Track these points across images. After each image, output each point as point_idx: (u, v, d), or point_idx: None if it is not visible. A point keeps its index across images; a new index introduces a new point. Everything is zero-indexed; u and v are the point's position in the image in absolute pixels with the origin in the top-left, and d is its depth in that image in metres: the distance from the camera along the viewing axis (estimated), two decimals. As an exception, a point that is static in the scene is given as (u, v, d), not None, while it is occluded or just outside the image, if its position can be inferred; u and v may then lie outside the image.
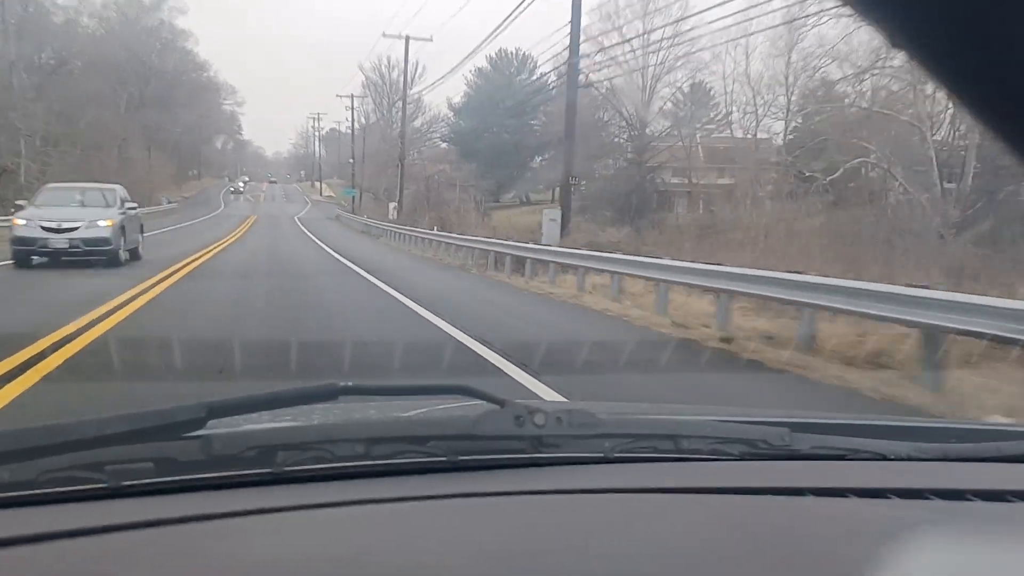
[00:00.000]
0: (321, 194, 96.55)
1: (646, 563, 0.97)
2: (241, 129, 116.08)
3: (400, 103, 66.19)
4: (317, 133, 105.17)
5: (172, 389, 5.10)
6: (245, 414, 1.24)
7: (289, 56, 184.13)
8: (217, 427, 1.16)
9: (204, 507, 1.05)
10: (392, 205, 40.34)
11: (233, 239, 29.71)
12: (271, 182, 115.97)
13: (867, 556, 0.92)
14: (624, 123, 43.45)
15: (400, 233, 31.46)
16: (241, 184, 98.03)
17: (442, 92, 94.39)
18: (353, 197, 60.84)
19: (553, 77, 48.52)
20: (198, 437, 1.12)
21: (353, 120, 66.07)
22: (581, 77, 35.58)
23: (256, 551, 0.98)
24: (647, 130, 43.76)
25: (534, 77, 59.76)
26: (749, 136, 40.56)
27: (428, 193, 43.04)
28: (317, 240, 31.45)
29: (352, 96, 66.51)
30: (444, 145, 65.14)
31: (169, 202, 56.58)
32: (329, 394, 1.22)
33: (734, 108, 40.26)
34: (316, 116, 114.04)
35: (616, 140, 45.10)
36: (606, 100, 42.80)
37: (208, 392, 3.26)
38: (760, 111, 38.72)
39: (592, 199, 38.43)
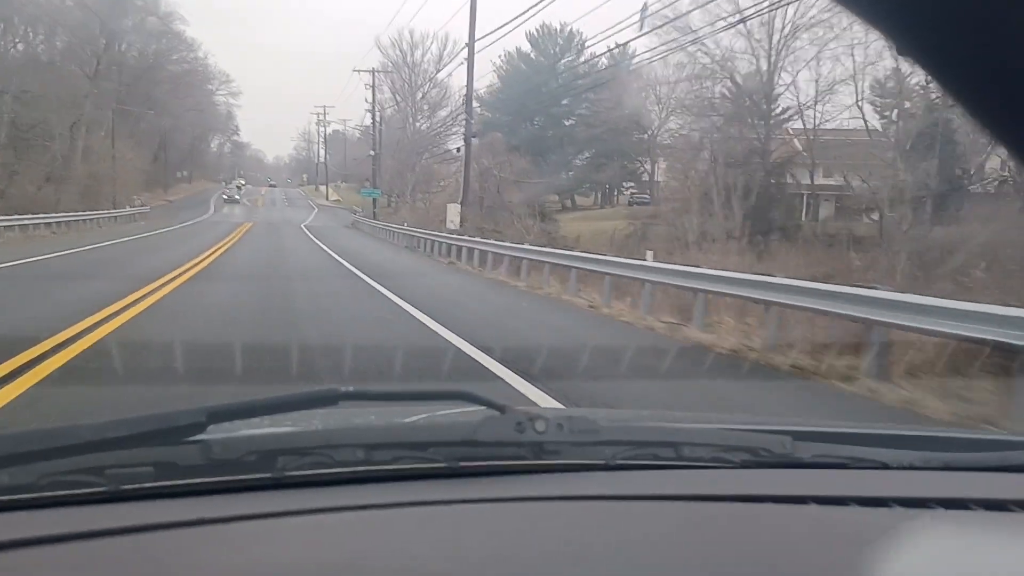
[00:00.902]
0: (327, 198, 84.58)
1: (647, 570, 0.97)
2: (239, 130, 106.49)
3: (426, 88, 54.71)
4: (323, 129, 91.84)
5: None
6: (245, 419, 1.23)
7: (289, 60, 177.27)
8: (217, 432, 1.14)
9: (204, 511, 1.04)
10: (454, 207, 27.12)
11: (201, 266, 16.64)
12: (271, 186, 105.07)
13: (869, 565, 0.93)
14: (744, 100, 32.28)
15: (475, 251, 19.25)
16: (236, 187, 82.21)
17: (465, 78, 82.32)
18: (376, 199, 48.65)
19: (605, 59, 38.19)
20: (198, 441, 1.11)
21: (375, 101, 51.19)
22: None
23: (256, 556, 0.98)
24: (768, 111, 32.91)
25: (581, 59, 48.85)
26: (886, 121, 29.63)
27: (483, 194, 31.43)
28: (358, 271, 16.91)
29: (373, 71, 51.55)
30: (475, 140, 54.37)
31: (138, 205, 45.09)
32: (329, 399, 1.20)
33: (866, 87, 29.03)
34: (322, 109, 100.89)
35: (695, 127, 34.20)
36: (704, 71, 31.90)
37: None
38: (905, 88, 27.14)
39: (683, 203, 29.06)
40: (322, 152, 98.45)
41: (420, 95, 54.69)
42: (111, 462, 1.07)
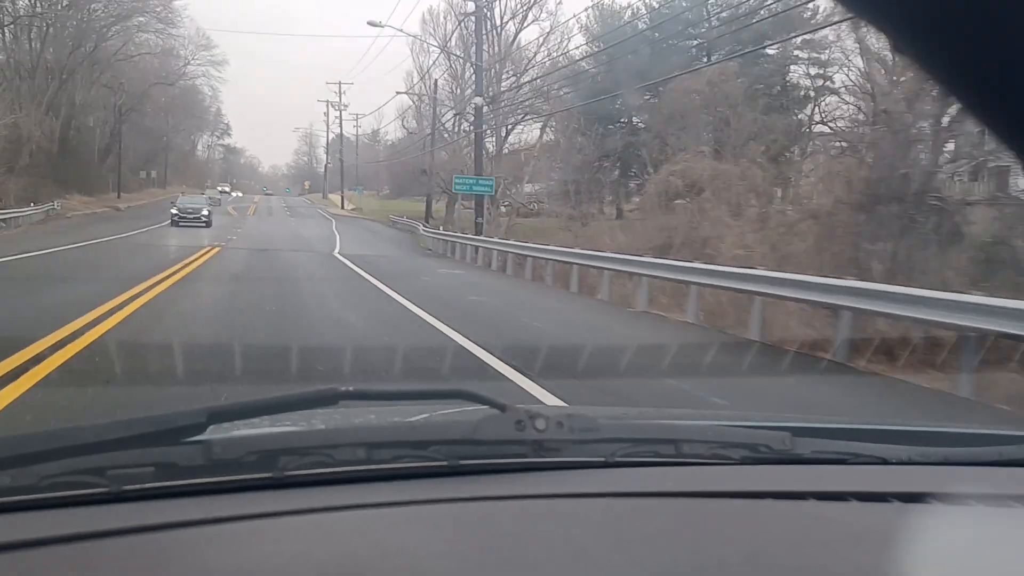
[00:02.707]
0: (343, 207, 64.15)
1: (648, 567, 0.98)
2: (229, 128, 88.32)
3: (513, 44, 34.62)
4: (338, 111, 70.64)
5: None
6: (245, 419, 1.23)
7: (289, 65, 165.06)
8: (217, 432, 1.14)
9: (205, 512, 1.04)
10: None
11: None
12: (266, 194, 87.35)
13: (869, 560, 0.95)
14: None
15: None
16: (210, 198, 47.52)
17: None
18: (488, 196, 26.00)
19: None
20: (199, 442, 1.11)
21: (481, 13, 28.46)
22: None
23: (257, 555, 0.99)
24: None
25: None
26: None
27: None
28: None
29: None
30: (551, 128, 35.86)
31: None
32: (329, 399, 1.20)
33: None
34: (338, 85, 72.18)
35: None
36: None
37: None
38: None
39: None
40: (333, 150, 79.07)
41: (505, 42, 35.22)
42: (112, 463, 1.07)
